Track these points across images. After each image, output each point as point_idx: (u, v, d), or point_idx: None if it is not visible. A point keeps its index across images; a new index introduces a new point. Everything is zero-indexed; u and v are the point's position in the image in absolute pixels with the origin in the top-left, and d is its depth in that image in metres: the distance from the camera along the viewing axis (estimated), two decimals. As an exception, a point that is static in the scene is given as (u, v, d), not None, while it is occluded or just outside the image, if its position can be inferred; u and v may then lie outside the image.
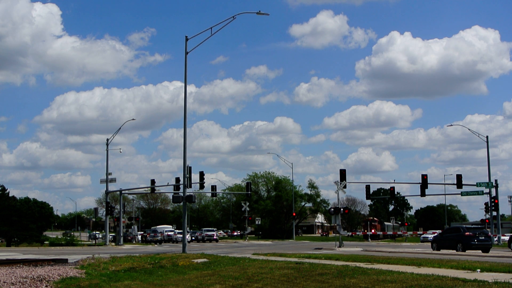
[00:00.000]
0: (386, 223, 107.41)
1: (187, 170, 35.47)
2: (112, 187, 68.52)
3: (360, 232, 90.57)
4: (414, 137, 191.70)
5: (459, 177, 56.86)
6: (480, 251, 34.86)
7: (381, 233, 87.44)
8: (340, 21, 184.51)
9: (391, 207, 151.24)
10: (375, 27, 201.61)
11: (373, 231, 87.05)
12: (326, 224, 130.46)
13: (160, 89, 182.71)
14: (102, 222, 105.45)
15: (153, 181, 66.37)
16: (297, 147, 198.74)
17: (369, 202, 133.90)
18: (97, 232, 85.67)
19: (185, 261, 23.03)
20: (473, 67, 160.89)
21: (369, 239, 79.37)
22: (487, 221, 63.71)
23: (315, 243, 61.12)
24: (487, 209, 61.97)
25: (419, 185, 58.29)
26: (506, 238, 50.93)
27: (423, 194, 59.26)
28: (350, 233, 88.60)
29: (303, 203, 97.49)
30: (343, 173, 49.52)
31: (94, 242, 65.89)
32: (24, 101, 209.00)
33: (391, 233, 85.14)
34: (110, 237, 66.73)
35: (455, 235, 37.27)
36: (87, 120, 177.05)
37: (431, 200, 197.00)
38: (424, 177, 57.69)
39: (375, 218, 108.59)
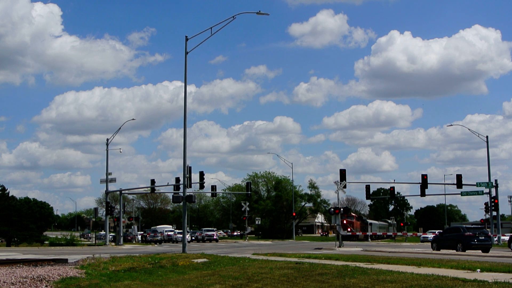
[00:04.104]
0: (370, 221, 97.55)
1: (187, 170, 35.46)
2: (112, 187, 68.64)
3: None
4: (414, 137, 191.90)
5: (459, 177, 56.82)
6: (480, 251, 34.89)
7: (350, 233, 69.68)
8: (340, 21, 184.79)
9: (391, 207, 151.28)
10: (375, 26, 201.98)
11: (349, 229, 73.05)
12: (326, 224, 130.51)
13: (160, 89, 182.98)
14: (102, 222, 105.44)
15: (153, 181, 66.36)
16: (297, 147, 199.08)
17: (369, 202, 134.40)
18: (102, 232, 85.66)
19: (185, 261, 23.02)
20: (473, 67, 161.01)
21: (369, 239, 79.15)
22: (481, 220, 63.67)
23: (315, 243, 61.09)
24: (487, 209, 61.99)
25: (419, 185, 58.29)
26: (506, 238, 50.97)
27: (423, 194, 59.24)
28: (350, 233, 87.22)
29: (303, 203, 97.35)
30: (343, 173, 49.45)
31: (94, 242, 65.88)
32: (23, 101, 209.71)
33: (375, 234, 76.38)
34: (110, 237, 66.75)
35: (455, 235, 37.31)
36: (86, 120, 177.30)
37: (431, 200, 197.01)
38: (424, 177, 57.66)
39: (352, 214, 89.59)
